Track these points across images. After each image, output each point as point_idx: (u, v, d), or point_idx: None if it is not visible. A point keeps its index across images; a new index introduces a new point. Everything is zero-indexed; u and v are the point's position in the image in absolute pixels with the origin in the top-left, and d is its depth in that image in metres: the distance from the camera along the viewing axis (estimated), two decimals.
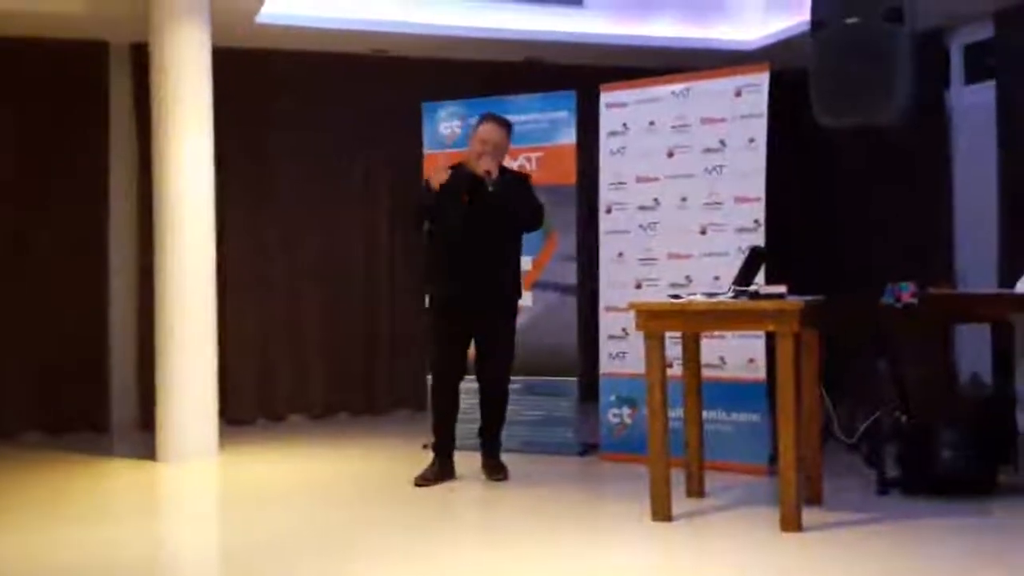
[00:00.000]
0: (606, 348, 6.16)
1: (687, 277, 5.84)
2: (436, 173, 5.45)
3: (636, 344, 5.10)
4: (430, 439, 5.64)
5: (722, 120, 5.85)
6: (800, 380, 4.56)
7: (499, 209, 5.33)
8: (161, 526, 5.14)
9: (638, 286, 6.02)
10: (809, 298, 4.55)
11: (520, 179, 5.62)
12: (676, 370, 5.08)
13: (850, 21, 4.91)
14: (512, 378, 5.65)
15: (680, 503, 4.73)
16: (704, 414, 5.13)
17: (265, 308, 7.92)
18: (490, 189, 5.29)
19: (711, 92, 5.92)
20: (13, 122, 7.37)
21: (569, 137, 6.35)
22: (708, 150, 5.89)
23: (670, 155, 6.01)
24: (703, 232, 5.86)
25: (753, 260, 4.81)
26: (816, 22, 5.07)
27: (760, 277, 4.94)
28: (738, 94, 5.83)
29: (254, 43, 7.65)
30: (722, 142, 5.84)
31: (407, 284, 7.98)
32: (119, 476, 6.09)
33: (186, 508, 5.51)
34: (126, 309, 7.65)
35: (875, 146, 6.27)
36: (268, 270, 7.96)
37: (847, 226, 7.57)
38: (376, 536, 4.56)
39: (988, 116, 7.20)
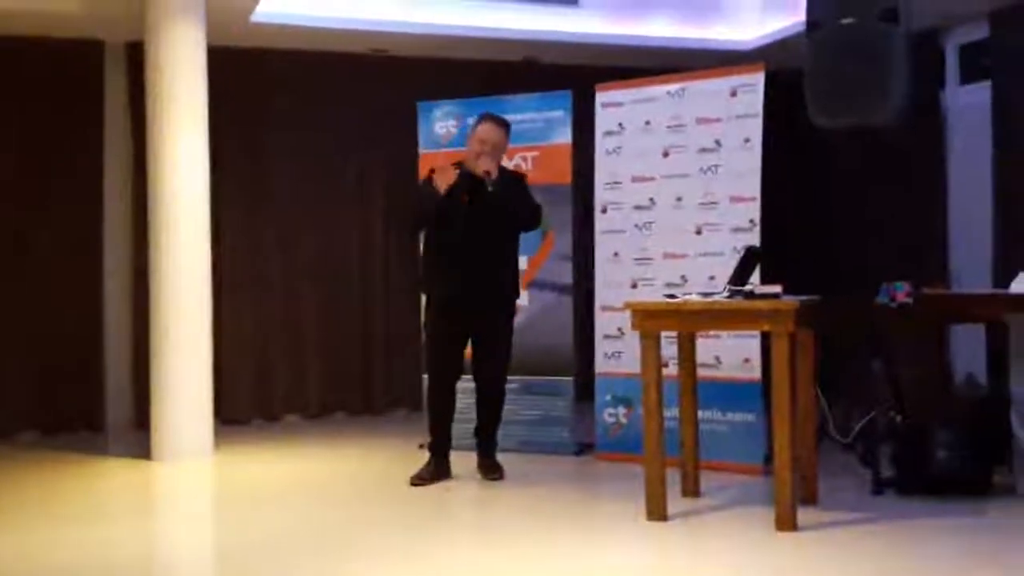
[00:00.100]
0: (602, 348, 6.16)
1: (683, 277, 5.85)
2: (440, 172, 5.34)
3: (632, 344, 5.10)
4: (426, 439, 5.64)
5: (718, 120, 5.86)
6: (795, 380, 4.56)
7: (498, 209, 5.33)
8: (156, 526, 5.14)
9: (634, 286, 6.02)
10: (804, 298, 4.56)
11: (517, 179, 5.61)
12: (672, 370, 5.10)
13: (845, 21, 4.93)
14: (508, 378, 5.65)
15: (676, 503, 4.74)
16: (700, 414, 5.14)
17: (261, 308, 7.92)
18: (490, 189, 5.28)
19: (707, 92, 5.92)
20: (7, 121, 7.35)
21: (565, 137, 6.35)
22: (704, 150, 5.89)
23: (666, 155, 6.01)
24: (699, 232, 5.87)
25: (748, 260, 4.82)
26: (811, 22, 5.08)
27: (755, 277, 4.95)
28: (734, 94, 5.83)
29: (250, 42, 7.64)
30: (718, 142, 5.85)
31: (403, 284, 7.98)
32: (114, 476, 6.08)
33: (181, 508, 5.51)
34: (121, 309, 7.65)
35: (870, 146, 6.28)
36: (264, 270, 7.95)
37: (842, 226, 7.58)
38: (372, 536, 4.56)
39: (983, 116, 7.21)
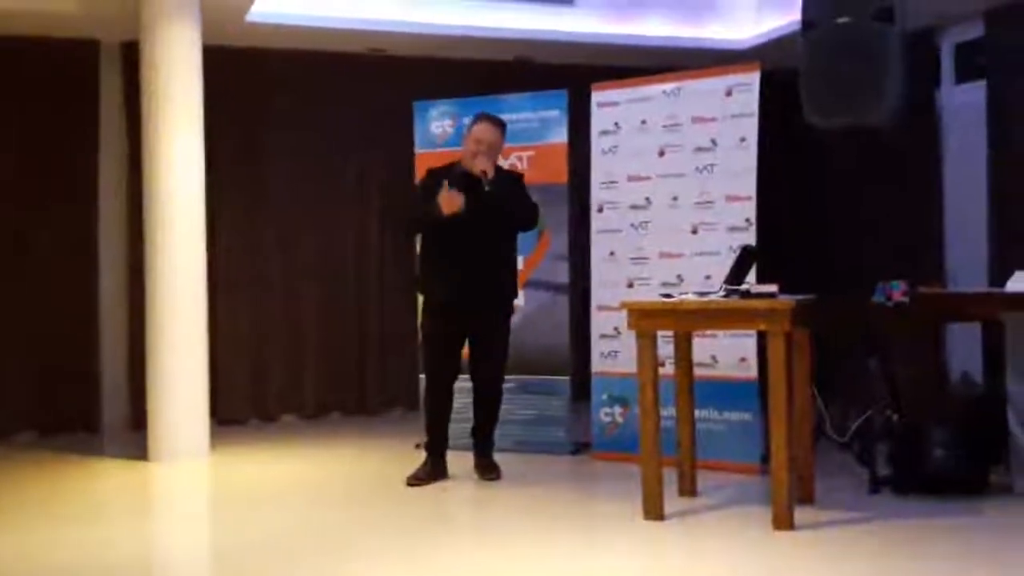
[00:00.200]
0: (598, 347, 6.16)
1: (678, 276, 5.84)
2: (447, 199, 5.24)
3: (628, 343, 5.09)
4: (423, 439, 5.63)
5: (713, 119, 5.86)
6: (792, 379, 4.56)
7: (495, 209, 5.32)
8: (153, 526, 5.13)
9: (630, 285, 6.02)
10: (800, 297, 4.55)
11: (514, 178, 5.61)
12: (668, 369, 5.09)
13: (841, 21, 4.92)
14: (505, 377, 5.64)
15: (672, 502, 4.74)
16: (696, 413, 5.14)
17: (257, 307, 7.91)
18: (486, 189, 5.28)
19: (702, 91, 5.92)
20: (5, 120, 7.34)
21: (560, 136, 6.35)
22: (699, 149, 5.89)
23: (661, 154, 6.01)
24: (694, 231, 5.87)
25: (744, 259, 4.81)
26: (807, 22, 5.08)
27: (751, 276, 4.95)
28: (729, 93, 5.84)
29: (245, 42, 7.64)
30: (713, 141, 5.85)
31: (399, 283, 7.96)
32: (110, 476, 6.08)
33: (178, 508, 5.50)
34: (117, 308, 7.64)
35: (866, 145, 6.30)
36: (260, 269, 7.95)
37: (838, 225, 7.59)
38: (369, 536, 4.56)
39: (978, 115, 7.22)
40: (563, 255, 6.33)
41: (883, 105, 4.85)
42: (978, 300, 5.43)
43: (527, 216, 5.51)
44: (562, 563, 4.10)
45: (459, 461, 5.61)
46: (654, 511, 4.58)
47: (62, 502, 5.37)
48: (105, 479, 6.01)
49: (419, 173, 6.18)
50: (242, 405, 7.83)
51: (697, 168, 5.89)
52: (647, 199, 6.04)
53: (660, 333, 4.72)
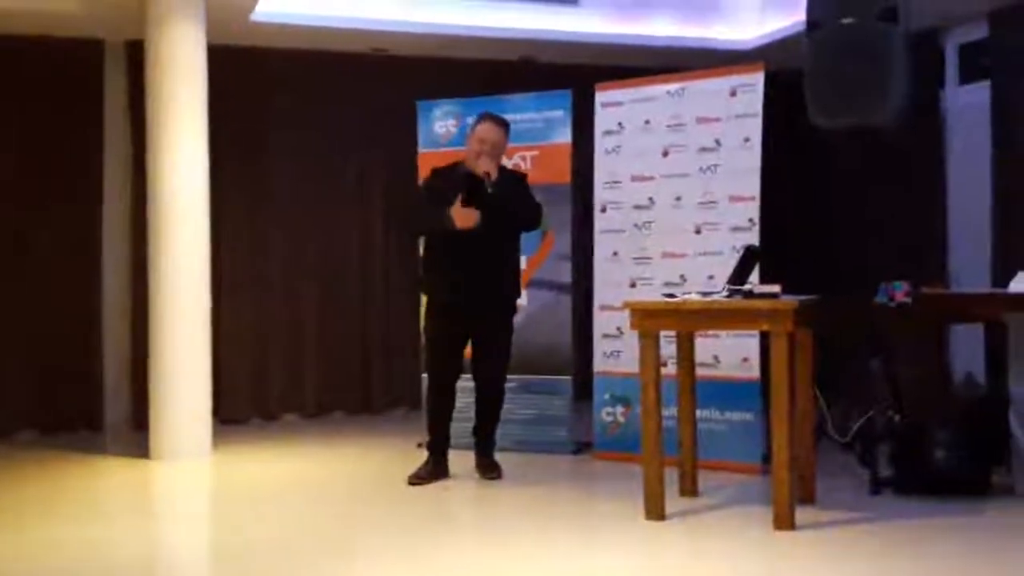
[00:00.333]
0: (600, 347, 6.16)
1: (682, 276, 5.84)
2: (462, 215, 5.22)
3: (630, 343, 5.10)
4: (424, 438, 5.63)
5: (717, 120, 5.86)
6: (794, 379, 4.56)
7: (498, 209, 5.32)
8: (155, 525, 5.13)
9: (633, 285, 6.02)
10: (803, 297, 4.55)
11: (518, 178, 5.61)
12: (670, 369, 5.09)
13: (845, 21, 4.92)
14: (507, 377, 5.64)
15: (674, 502, 4.74)
16: (698, 413, 5.14)
17: (259, 307, 7.91)
18: (489, 191, 5.27)
19: (706, 92, 5.92)
20: (7, 120, 7.35)
21: (564, 136, 6.35)
22: (703, 149, 5.89)
23: (665, 154, 6.01)
24: (698, 231, 5.86)
25: (747, 259, 4.81)
26: (811, 22, 5.08)
27: (754, 276, 4.95)
28: (733, 94, 5.83)
29: (250, 41, 7.64)
30: (717, 141, 5.85)
31: (402, 283, 7.97)
32: (113, 475, 6.08)
33: (180, 507, 5.51)
34: (119, 308, 7.64)
35: (870, 146, 6.28)
36: (263, 269, 7.95)
37: (842, 226, 7.58)
38: (370, 535, 4.56)
39: (983, 116, 7.21)
40: (566, 255, 6.33)
41: (887, 106, 4.85)
42: (981, 301, 5.42)
43: (530, 217, 5.51)
44: (563, 563, 4.10)
45: (461, 460, 5.61)
46: (655, 511, 4.58)
47: (63, 501, 5.37)
48: (107, 478, 6.02)
49: (423, 173, 6.19)
50: (244, 404, 7.83)
51: (701, 168, 5.88)
52: (650, 199, 6.04)
53: (663, 333, 4.72)
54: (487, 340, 5.51)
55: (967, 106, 7.53)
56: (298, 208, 8.01)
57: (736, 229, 5.71)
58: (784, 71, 6.31)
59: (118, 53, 7.64)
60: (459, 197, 5.23)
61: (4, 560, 4.25)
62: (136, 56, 7.00)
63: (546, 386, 6.26)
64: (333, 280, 8.11)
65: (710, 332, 5.48)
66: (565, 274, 6.34)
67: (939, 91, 7.66)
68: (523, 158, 6.37)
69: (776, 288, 4.50)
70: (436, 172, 5.62)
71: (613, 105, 6.21)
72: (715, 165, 5.84)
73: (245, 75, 7.73)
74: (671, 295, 4.93)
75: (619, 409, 6.05)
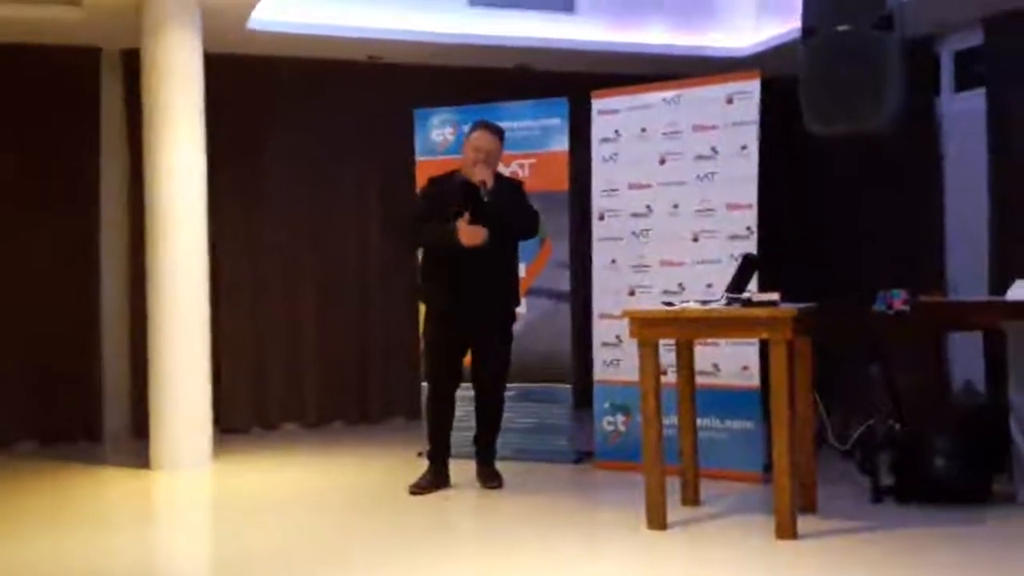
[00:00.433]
0: (600, 355, 6.16)
1: (680, 284, 5.84)
2: (469, 233, 5.23)
3: (630, 351, 5.10)
4: (425, 447, 5.63)
5: (713, 127, 5.86)
6: (794, 387, 4.56)
7: (495, 218, 5.32)
8: (155, 535, 5.12)
9: (631, 293, 6.02)
10: (802, 305, 4.56)
11: (514, 186, 5.61)
12: (670, 377, 5.09)
13: (841, 28, 4.93)
14: (507, 385, 5.64)
15: (675, 511, 4.74)
16: (698, 421, 5.14)
17: (259, 316, 7.90)
18: (485, 199, 5.28)
19: (703, 99, 5.92)
20: (5, 127, 7.34)
21: (561, 144, 6.35)
22: (700, 157, 5.89)
23: (662, 162, 6.02)
24: (695, 239, 5.87)
25: (746, 267, 4.82)
26: (807, 29, 5.09)
27: (753, 284, 4.95)
28: (729, 101, 5.84)
29: (246, 49, 7.64)
30: (714, 149, 5.85)
31: (400, 291, 7.95)
32: (113, 485, 6.07)
33: (180, 517, 5.50)
34: (118, 316, 7.63)
35: (866, 153, 6.29)
36: (261, 277, 7.94)
37: (837, 233, 7.59)
38: (371, 545, 4.56)
39: (978, 123, 7.22)
40: (564, 263, 6.33)
41: (883, 112, 4.86)
42: (979, 309, 5.43)
43: (527, 225, 5.51)
44: (564, 572, 4.10)
45: (461, 469, 5.61)
46: (657, 520, 4.58)
47: (64, 511, 5.35)
48: (107, 488, 6.01)
49: (420, 181, 6.19)
50: (244, 414, 7.82)
51: (698, 176, 5.89)
52: (648, 207, 6.04)
53: (662, 341, 4.73)
54: (486, 348, 5.51)
55: (962, 113, 7.54)
56: (296, 216, 8.00)
57: (734, 237, 5.71)
58: (780, 78, 6.33)
59: (115, 61, 7.64)
60: (465, 215, 5.23)
61: (6, 570, 4.24)
62: (133, 64, 7.00)
63: (546, 394, 6.26)
64: (332, 288, 8.10)
65: (709, 340, 5.48)
66: (564, 282, 6.34)
67: (934, 98, 7.67)
68: (520, 166, 6.37)
69: (775, 296, 4.51)
70: (433, 181, 5.62)
71: (609, 113, 6.21)
72: (712, 173, 5.85)
73: (241, 83, 7.73)
74: (670, 303, 4.93)
75: (619, 418, 6.04)
